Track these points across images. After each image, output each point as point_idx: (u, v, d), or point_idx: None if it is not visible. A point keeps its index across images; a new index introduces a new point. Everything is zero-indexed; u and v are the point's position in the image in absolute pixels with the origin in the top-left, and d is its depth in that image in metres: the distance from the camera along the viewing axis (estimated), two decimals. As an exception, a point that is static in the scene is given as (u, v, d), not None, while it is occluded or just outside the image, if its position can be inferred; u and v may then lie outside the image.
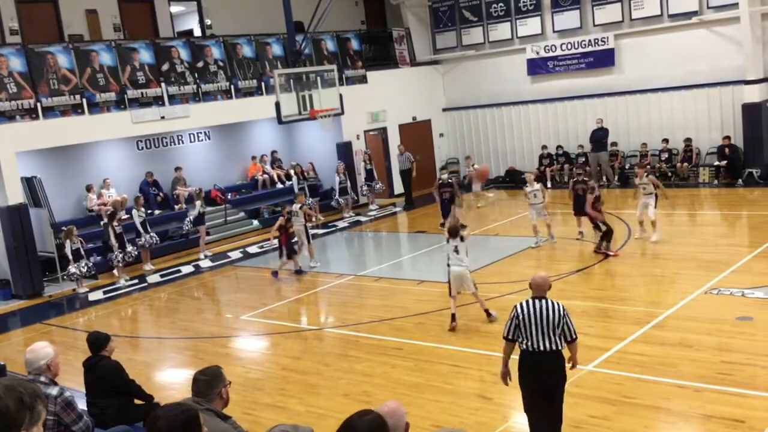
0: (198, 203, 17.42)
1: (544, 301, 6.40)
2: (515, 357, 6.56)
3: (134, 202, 17.05)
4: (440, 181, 17.01)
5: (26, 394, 2.51)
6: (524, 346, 6.40)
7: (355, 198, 21.40)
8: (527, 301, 6.44)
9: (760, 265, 11.97)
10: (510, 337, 6.52)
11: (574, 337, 6.42)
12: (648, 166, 16.48)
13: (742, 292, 10.53)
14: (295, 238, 15.23)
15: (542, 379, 6.42)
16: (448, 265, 10.56)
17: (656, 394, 7.70)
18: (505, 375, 6.73)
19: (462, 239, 10.50)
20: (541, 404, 6.46)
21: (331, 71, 17.35)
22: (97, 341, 7.07)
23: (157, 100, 17.94)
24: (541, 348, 6.29)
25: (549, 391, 6.41)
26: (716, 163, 19.50)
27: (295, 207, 15.28)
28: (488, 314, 10.61)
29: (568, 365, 6.53)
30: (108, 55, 17.29)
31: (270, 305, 12.96)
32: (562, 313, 6.32)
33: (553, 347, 6.32)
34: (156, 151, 19.81)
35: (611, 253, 13.41)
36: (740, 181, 18.95)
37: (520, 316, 6.41)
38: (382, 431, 3.41)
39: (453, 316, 10.46)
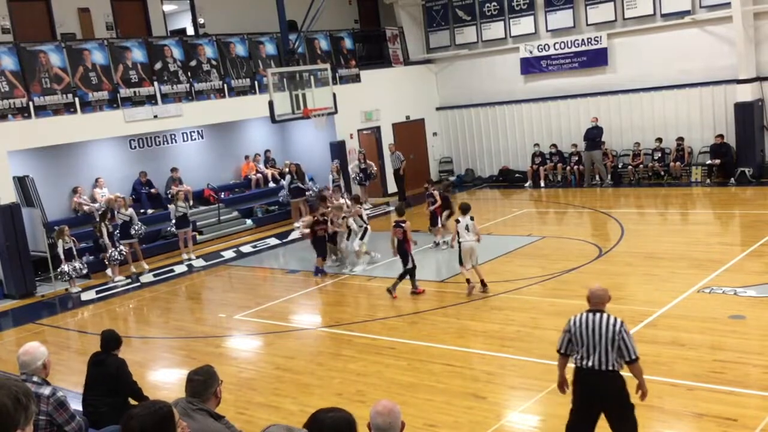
0: (174, 206, 17.10)
1: (599, 314, 5.98)
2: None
3: (117, 203, 16.77)
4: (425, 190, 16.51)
5: (21, 393, 2.50)
6: (578, 363, 6.03)
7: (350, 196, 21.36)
8: (582, 314, 6.07)
9: (752, 264, 12.01)
10: (563, 351, 6.18)
11: (633, 357, 5.85)
12: None
13: (734, 291, 10.57)
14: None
15: (595, 401, 6.01)
16: (459, 242, 11.87)
17: (650, 392, 7.69)
18: (562, 384, 6.34)
19: (472, 218, 11.90)
20: (586, 427, 6.09)
21: (325, 70, 17.35)
22: (113, 340, 7.08)
23: (150, 99, 17.89)
24: (595, 366, 5.88)
25: (609, 415, 5.98)
26: (709, 162, 19.56)
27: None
28: (483, 284, 11.79)
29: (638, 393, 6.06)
30: (100, 53, 17.23)
31: (263, 305, 12.93)
32: (617, 329, 5.84)
33: (609, 367, 5.86)
34: (149, 150, 19.76)
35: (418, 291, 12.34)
36: (732, 180, 19.02)
37: (572, 330, 6.05)
38: (349, 429, 3.44)
39: (468, 280, 11.75)
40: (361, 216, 14.72)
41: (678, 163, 20.09)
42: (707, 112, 20.01)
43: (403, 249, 12.22)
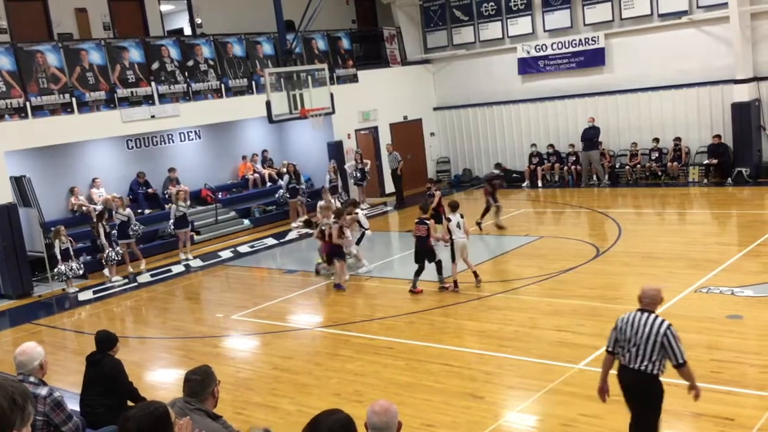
0: (174, 206, 17.05)
1: (646, 315, 5.85)
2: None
3: (115, 203, 16.75)
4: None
5: (17, 394, 2.50)
6: (621, 361, 5.97)
7: (347, 197, 21.35)
8: (631, 313, 5.94)
9: (749, 264, 12.03)
10: (610, 349, 6.05)
11: (680, 361, 5.69)
12: None
13: (731, 291, 10.58)
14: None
15: (631, 400, 6.00)
16: (451, 239, 12.15)
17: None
18: (602, 391, 6.23)
19: (462, 216, 12.27)
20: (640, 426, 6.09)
21: (322, 70, 17.34)
22: (108, 340, 7.08)
23: (147, 99, 17.87)
24: (634, 366, 5.80)
25: (633, 410, 6.03)
26: (706, 161, 19.58)
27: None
28: (475, 275, 12.18)
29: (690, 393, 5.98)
30: (97, 53, 17.21)
31: (261, 305, 12.92)
32: (662, 331, 5.69)
33: (649, 369, 5.75)
34: (146, 150, 19.74)
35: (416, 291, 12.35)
36: (730, 180, 19.04)
37: (618, 327, 5.94)
38: (348, 431, 3.44)
39: (455, 282, 12.07)
40: (358, 221, 14.48)
41: (675, 163, 20.11)
42: (704, 112, 20.02)
43: (427, 246, 12.26)
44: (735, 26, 18.59)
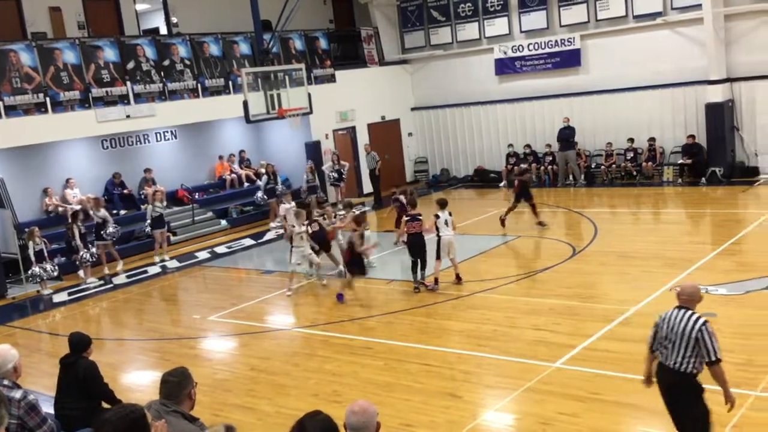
0: (150, 206, 16.91)
1: (684, 312, 5.80)
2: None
3: (94, 204, 16.60)
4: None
5: None
6: (659, 357, 5.93)
7: (325, 197, 21.30)
8: (670, 311, 5.90)
9: (723, 263, 12.18)
10: (651, 347, 6.06)
11: (712, 358, 5.61)
12: None
13: (705, 289, 10.66)
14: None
15: (669, 400, 5.94)
16: (438, 236, 12.20)
17: (623, 390, 7.79)
18: (648, 377, 6.25)
19: (450, 213, 12.34)
20: (674, 421, 6.02)
21: (300, 70, 17.30)
22: (81, 342, 7.01)
23: (123, 99, 17.71)
24: (670, 364, 5.77)
25: (678, 415, 5.90)
26: (680, 161, 19.78)
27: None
28: (458, 278, 12.26)
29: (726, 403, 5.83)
30: (72, 53, 17.02)
31: (238, 305, 12.86)
32: (698, 327, 5.63)
33: (684, 367, 5.71)
34: (121, 150, 19.56)
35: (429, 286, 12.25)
36: (704, 179, 19.26)
37: (658, 324, 5.92)
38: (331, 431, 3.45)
39: (436, 280, 12.11)
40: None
41: (650, 163, 20.31)
42: (678, 113, 20.24)
43: (423, 240, 12.21)
44: (709, 27, 18.81)
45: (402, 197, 15.46)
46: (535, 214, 15.96)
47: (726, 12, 19.04)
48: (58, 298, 14.77)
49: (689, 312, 5.77)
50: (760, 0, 18.53)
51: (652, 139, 20.35)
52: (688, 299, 5.88)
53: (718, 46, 19.05)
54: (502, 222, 16.16)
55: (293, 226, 13.36)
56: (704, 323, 5.65)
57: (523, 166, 17.20)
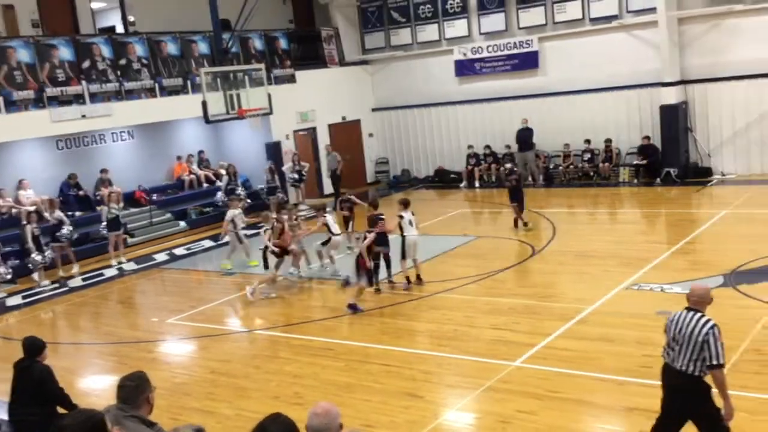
0: (106, 208, 16.62)
1: (692, 314, 5.71)
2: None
3: (49, 205, 16.28)
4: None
5: None
6: (665, 358, 5.85)
7: (285, 198, 21.22)
8: (679, 312, 5.81)
9: (677, 262, 12.42)
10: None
11: (714, 362, 5.51)
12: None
13: (661, 288, 10.91)
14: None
15: (674, 404, 5.83)
16: (403, 236, 12.17)
17: (581, 388, 7.90)
18: None
19: (413, 213, 12.39)
20: (670, 428, 5.91)
21: (259, 70, 17.20)
22: (34, 346, 6.91)
23: (78, 99, 17.41)
24: (677, 366, 5.69)
25: (698, 424, 5.74)
26: (636, 162, 20.13)
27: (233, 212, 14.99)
28: (419, 278, 12.28)
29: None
30: (26, 51, 16.70)
31: (198, 308, 12.72)
32: (705, 330, 5.54)
33: (690, 370, 5.62)
34: (77, 150, 19.20)
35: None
36: (659, 180, 19.63)
37: (668, 324, 5.82)
38: None
39: (408, 278, 12.20)
40: (327, 225, 13.58)
41: (607, 164, 20.62)
42: (634, 115, 20.60)
43: (385, 241, 12.10)
44: (663, 31, 19.18)
45: (353, 197, 15.49)
46: (521, 212, 15.91)
47: (680, 15, 19.43)
48: (11, 301, 14.44)
49: (698, 314, 5.70)
50: (713, 4, 18.97)
51: (608, 140, 20.66)
52: (698, 301, 5.79)
53: (672, 49, 19.43)
54: (515, 224, 15.96)
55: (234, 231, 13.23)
56: (713, 326, 5.58)
57: (508, 165, 17.06)
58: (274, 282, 13.03)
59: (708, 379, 5.68)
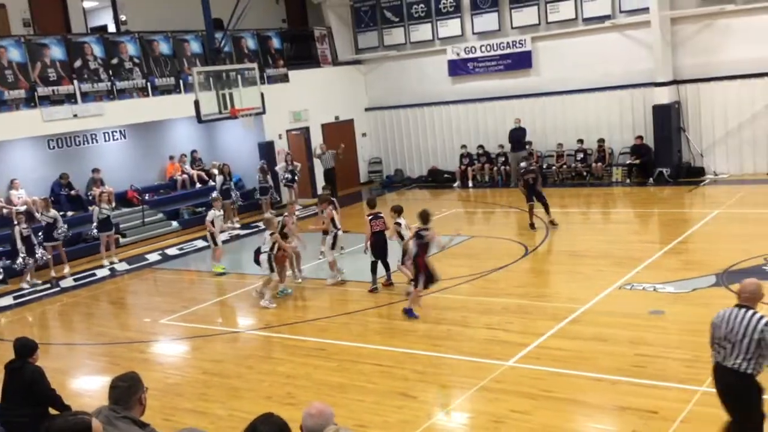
0: (97, 208, 16.50)
1: (744, 311, 5.56)
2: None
3: (43, 205, 16.19)
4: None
5: None
6: (715, 357, 5.71)
7: (278, 198, 21.19)
8: (728, 309, 5.67)
9: (670, 261, 12.44)
10: (712, 346, 5.84)
11: None
12: None
13: (653, 287, 10.93)
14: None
15: (726, 401, 5.73)
16: (401, 237, 11.91)
17: (574, 387, 7.90)
18: None
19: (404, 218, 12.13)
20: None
21: (252, 70, 17.16)
22: (25, 347, 6.87)
23: (70, 98, 17.33)
24: (728, 364, 5.56)
25: (734, 414, 5.72)
26: (629, 161, 20.17)
27: (214, 213, 14.92)
28: (412, 282, 11.39)
29: None
30: (17, 50, 16.62)
31: (190, 308, 12.68)
32: (759, 327, 5.42)
33: (743, 367, 5.49)
34: (69, 150, 19.12)
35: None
36: (651, 180, 19.67)
37: (715, 322, 5.66)
38: None
39: (411, 280, 11.42)
40: (333, 220, 13.24)
41: (599, 164, 20.66)
42: (627, 114, 20.65)
43: (384, 239, 12.16)
44: (656, 31, 19.22)
45: (334, 200, 15.31)
46: (547, 212, 15.66)
47: (672, 15, 19.48)
48: (2, 302, 14.35)
49: (750, 311, 5.57)
50: (705, 4, 19.03)
51: (601, 140, 20.70)
52: (749, 297, 5.65)
53: (665, 48, 19.48)
54: (532, 226, 15.72)
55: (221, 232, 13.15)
56: (767, 323, 5.47)
57: (523, 165, 16.74)
58: (282, 282, 12.86)
59: (760, 378, 5.57)
